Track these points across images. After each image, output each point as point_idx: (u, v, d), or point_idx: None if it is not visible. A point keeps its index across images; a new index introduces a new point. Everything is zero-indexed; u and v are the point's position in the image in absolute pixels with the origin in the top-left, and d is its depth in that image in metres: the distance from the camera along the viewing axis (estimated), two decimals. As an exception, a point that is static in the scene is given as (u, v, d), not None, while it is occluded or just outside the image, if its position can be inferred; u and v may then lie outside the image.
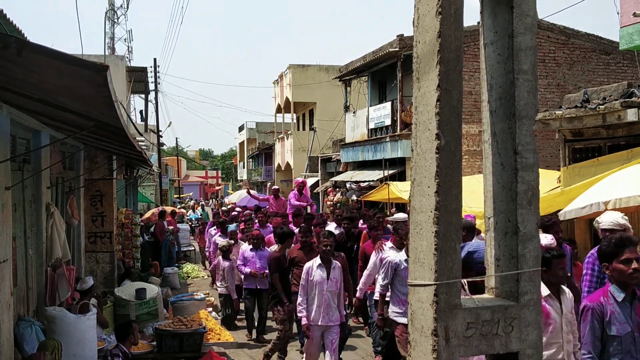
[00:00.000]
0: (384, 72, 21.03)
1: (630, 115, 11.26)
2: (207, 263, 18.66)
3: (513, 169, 1.82)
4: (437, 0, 1.73)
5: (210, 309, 11.92)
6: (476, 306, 1.79)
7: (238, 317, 11.59)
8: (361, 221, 12.06)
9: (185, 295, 11.72)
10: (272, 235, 11.07)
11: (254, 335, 10.65)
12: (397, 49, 18.29)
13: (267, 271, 9.70)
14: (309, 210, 15.75)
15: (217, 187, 65.45)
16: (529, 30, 1.86)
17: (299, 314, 7.68)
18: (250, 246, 10.52)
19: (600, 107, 11.94)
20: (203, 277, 17.84)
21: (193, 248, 22.98)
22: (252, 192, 20.00)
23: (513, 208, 1.83)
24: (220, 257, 11.54)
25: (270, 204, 16.37)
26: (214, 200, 48.40)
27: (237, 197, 32.50)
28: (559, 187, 11.69)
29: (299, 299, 7.64)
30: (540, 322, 1.85)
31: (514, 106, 1.83)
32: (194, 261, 21.04)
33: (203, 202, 35.35)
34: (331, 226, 11.86)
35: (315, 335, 7.59)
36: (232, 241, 11.78)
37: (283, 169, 36.47)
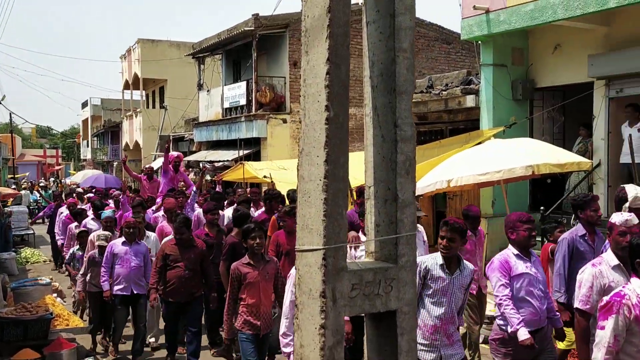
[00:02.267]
0: (239, 51, 20.91)
1: (469, 101, 12.25)
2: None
3: (393, 140, 1.95)
4: (327, -24, 1.80)
5: (55, 294, 11.24)
6: (360, 269, 1.91)
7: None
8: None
9: (28, 281, 10.91)
10: (158, 220, 9.84)
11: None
12: (253, 28, 18.25)
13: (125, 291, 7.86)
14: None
15: (57, 167, 61.30)
16: (409, 10, 1.99)
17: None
18: (122, 239, 8.04)
19: (443, 93, 12.86)
20: (45, 261, 16.74)
21: (32, 232, 21.42)
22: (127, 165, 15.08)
23: (393, 177, 1.96)
24: (93, 251, 8.70)
25: (143, 185, 13.93)
26: (53, 180, 45.29)
27: (81, 177, 30.75)
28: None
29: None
30: (415, 282, 2.02)
31: (395, 82, 1.96)
32: (33, 245, 19.63)
33: (45, 183, 32.81)
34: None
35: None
36: (108, 233, 8.86)
37: (132, 148, 35.03)
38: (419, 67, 19.45)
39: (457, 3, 11.98)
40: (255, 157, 18.52)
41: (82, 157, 58.58)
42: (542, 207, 10.28)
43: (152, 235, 8.91)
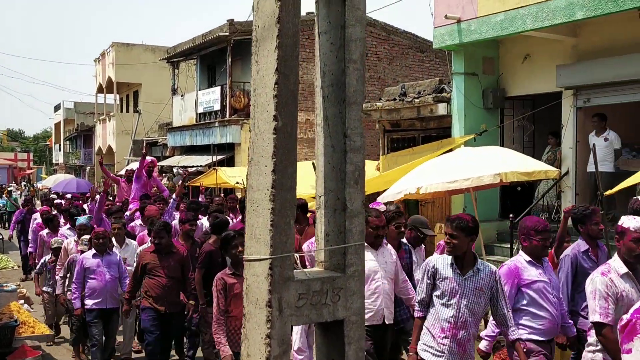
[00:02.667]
0: (214, 56, 20.85)
1: (441, 109, 12.37)
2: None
3: (342, 150, 1.97)
4: (277, -13, 1.81)
5: (22, 301, 11.04)
6: (307, 278, 1.92)
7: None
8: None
9: (-7, 287, 10.73)
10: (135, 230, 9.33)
11: None
12: (228, 34, 18.23)
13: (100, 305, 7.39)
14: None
15: (29, 171, 60.36)
16: (359, 22, 2.01)
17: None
18: (93, 251, 7.51)
19: (416, 100, 12.96)
20: (13, 267, 16.43)
21: (0, 237, 21.02)
22: (104, 166, 14.33)
23: (342, 187, 1.97)
24: (73, 255, 8.28)
25: (121, 188, 12.93)
26: (24, 184, 44.60)
27: (52, 181, 30.31)
28: (378, 174, 12.49)
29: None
30: (363, 291, 2.03)
31: (345, 93, 1.97)
32: (1, 251, 19.26)
33: (12, 187, 32.18)
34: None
35: None
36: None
37: (105, 152, 34.65)
38: (393, 74, 19.61)
39: (430, 12, 12.11)
40: (229, 162, 18.45)
41: (54, 161, 57.76)
42: (511, 215, 10.40)
43: (132, 243, 8.39)
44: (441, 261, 4.48)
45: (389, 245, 5.55)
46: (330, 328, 2.00)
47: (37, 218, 13.31)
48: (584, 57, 10.42)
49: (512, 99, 12.23)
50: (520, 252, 4.95)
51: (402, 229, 6.03)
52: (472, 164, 8.58)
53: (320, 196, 2.03)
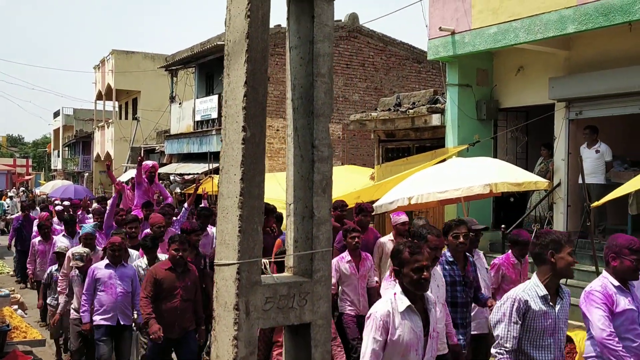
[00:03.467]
0: (212, 64, 20.98)
1: (435, 119, 12.47)
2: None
3: (310, 160, 2.05)
4: (247, 3, 1.89)
5: (16, 306, 11.07)
6: (275, 282, 1.99)
7: None
8: None
9: (-14, 292, 10.76)
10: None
11: None
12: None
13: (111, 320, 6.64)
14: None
15: (27, 177, 60.44)
16: (327, 38, 2.09)
17: None
18: (106, 261, 6.82)
19: (410, 111, 13.06)
20: (8, 272, 16.44)
21: (-4, 241, 21.06)
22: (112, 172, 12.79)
23: (310, 195, 2.05)
24: (72, 273, 7.51)
25: (126, 195, 11.83)
26: (22, 190, 44.62)
27: (50, 187, 30.36)
28: (372, 183, 12.58)
29: None
30: (330, 296, 2.11)
31: (313, 105, 2.06)
32: (-3, 256, 19.30)
33: (12, 193, 32.11)
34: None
35: None
36: (87, 250, 7.55)
37: (103, 159, 34.77)
38: (390, 85, 19.74)
39: (425, 24, 12.24)
40: (226, 170, 18.51)
41: (52, 167, 57.84)
42: (503, 225, 10.48)
43: (134, 253, 7.51)
44: (531, 294, 3.79)
45: (438, 267, 4.96)
46: (298, 331, 2.08)
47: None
48: (576, 69, 10.53)
49: (505, 110, 12.33)
50: (605, 273, 4.36)
51: (462, 239, 5.20)
52: (462, 174, 8.66)
53: (290, 204, 2.11)
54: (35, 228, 12.59)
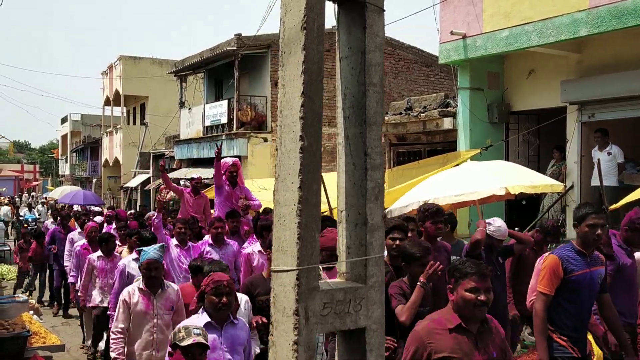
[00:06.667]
0: (221, 70, 21.07)
1: (447, 123, 12.52)
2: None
3: (363, 168, 2.10)
4: (303, 16, 1.94)
5: (32, 312, 11.15)
6: (331, 288, 2.04)
7: None
8: None
9: (5, 298, 10.79)
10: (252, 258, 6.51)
11: None
12: (235, 48, 18.43)
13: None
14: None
15: (35, 183, 60.71)
16: (378, 48, 2.15)
17: None
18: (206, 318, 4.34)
19: (422, 115, 13.11)
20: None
21: (8, 248, 21.16)
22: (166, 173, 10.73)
23: (363, 202, 2.10)
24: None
25: (186, 201, 9.69)
26: (33, 196, 44.82)
27: (59, 193, 30.47)
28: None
29: None
30: (383, 301, 2.16)
31: (365, 114, 2.11)
32: (9, 262, 19.40)
33: (31, 200, 31.86)
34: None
35: None
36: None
37: (111, 164, 34.89)
38: (398, 88, 19.77)
39: (436, 28, 12.30)
40: (236, 175, 18.57)
41: (60, 173, 58.08)
42: (516, 228, 10.48)
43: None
44: None
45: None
46: (352, 336, 2.12)
47: (74, 238, 10.94)
48: (588, 72, 10.56)
49: (517, 113, 12.37)
50: None
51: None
52: (478, 178, 8.69)
53: (342, 211, 2.16)
54: (78, 244, 10.15)
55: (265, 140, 18.67)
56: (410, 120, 13.41)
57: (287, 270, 1.94)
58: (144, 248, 5.67)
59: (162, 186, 22.44)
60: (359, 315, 2.07)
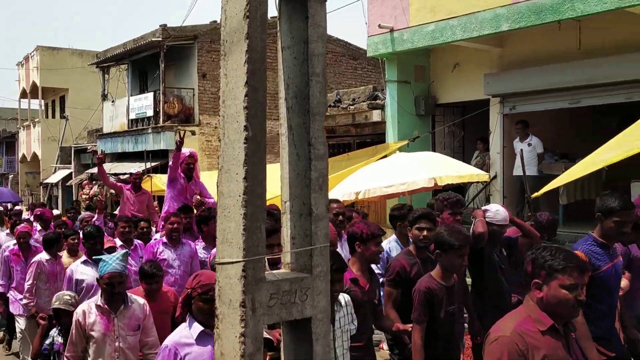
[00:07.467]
0: (146, 61, 20.53)
1: (375, 115, 12.71)
2: None
3: (307, 158, 2.09)
4: (246, 4, 1.92)
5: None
6: (277, 279, 2.03)
7: None
8: None
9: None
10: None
11: None
12: (160, 39, 18.01)
13: None
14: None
15: (-55, 180, 57.20)
16: (321, 38, 2.15)
17: None
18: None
19: (350, 107, 13.25)
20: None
21: None
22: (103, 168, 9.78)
23: (307, 193, 2.10)
24: None
25: (126, 198, 9.27)
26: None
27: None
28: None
29: None
30: (329, 290, 2.17)
31: (309, 104, 2.11)
32: None
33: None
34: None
35: None
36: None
37: (29, 159, 33.37)
38: (327, 81, 19.84)
39: (364, 21, 12.43)
40: (163, 169, 18.15)
41: (-27, 169, 54.98)
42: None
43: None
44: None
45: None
46: (298, 326, 2.13)
47: (1, 238, 9.78)
48: (509, 66, 10.96)
49: (442, 106, 12.70)
50: None
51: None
52: (407, 169, 8.90)
53: (286, 201, 2.15)
54: (3, 240, 9.40)
55: (193, 133, 18.36)
56: (340, 112, 13.53)
57: (233, 262, 1.92)
58: (103, 257, 4.68)
59: (85, 182, 21.71)
60: (305, 305, 2.07)
